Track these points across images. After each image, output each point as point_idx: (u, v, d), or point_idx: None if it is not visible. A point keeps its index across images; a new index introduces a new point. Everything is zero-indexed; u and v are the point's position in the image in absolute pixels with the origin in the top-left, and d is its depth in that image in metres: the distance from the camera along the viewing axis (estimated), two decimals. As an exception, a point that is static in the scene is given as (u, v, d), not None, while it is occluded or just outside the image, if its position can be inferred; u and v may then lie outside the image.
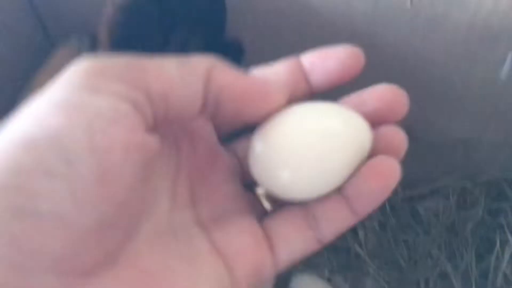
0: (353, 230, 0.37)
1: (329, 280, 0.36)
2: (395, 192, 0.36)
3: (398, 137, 0.20)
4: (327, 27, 0.29)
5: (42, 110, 0.15)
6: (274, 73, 0.20)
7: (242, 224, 0.19)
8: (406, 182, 0.36)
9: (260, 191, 0.21)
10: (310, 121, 0.21)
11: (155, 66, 0.16)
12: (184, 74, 0.17)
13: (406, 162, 0.38)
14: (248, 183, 0.20)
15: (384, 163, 0.19)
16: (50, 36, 0.35)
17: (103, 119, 0.14)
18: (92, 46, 0.30)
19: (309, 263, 0.36)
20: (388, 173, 0.19)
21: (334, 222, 0.20)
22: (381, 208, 0.37)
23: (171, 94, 0.16)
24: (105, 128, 0.14)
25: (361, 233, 0.37)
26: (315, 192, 0.21)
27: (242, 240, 0.19)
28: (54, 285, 0.14)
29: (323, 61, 0.20)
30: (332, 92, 0.21)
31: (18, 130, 0.15)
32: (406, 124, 0.35)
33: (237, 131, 0.21)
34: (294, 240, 0.20)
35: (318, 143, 0.21)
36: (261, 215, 0.20)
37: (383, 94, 0.20)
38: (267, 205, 0.22)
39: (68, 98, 0.15)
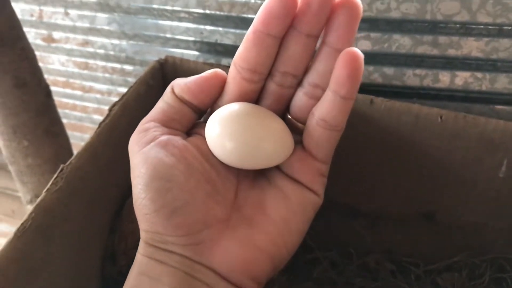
0: (383, 295, 0.44)
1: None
2: (418, 266, 0.44)
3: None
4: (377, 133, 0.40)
5: None
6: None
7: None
8: (427, 258, 0.45)
9: None
10: (251, 112, 0.26)
11: None
12: None
13: (428, 242, 0.48)
14: None
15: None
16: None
17: None
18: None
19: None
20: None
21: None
22: (407, 279, 0.44)
23: None
24: None
25: (390, 298, 0.44)
26: (250, 164, 0.26)
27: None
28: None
29: None
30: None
31: None
32: (430, 211, 0.46)
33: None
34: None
35: (254, 127, 0.25)
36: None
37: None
38: None
39: None
